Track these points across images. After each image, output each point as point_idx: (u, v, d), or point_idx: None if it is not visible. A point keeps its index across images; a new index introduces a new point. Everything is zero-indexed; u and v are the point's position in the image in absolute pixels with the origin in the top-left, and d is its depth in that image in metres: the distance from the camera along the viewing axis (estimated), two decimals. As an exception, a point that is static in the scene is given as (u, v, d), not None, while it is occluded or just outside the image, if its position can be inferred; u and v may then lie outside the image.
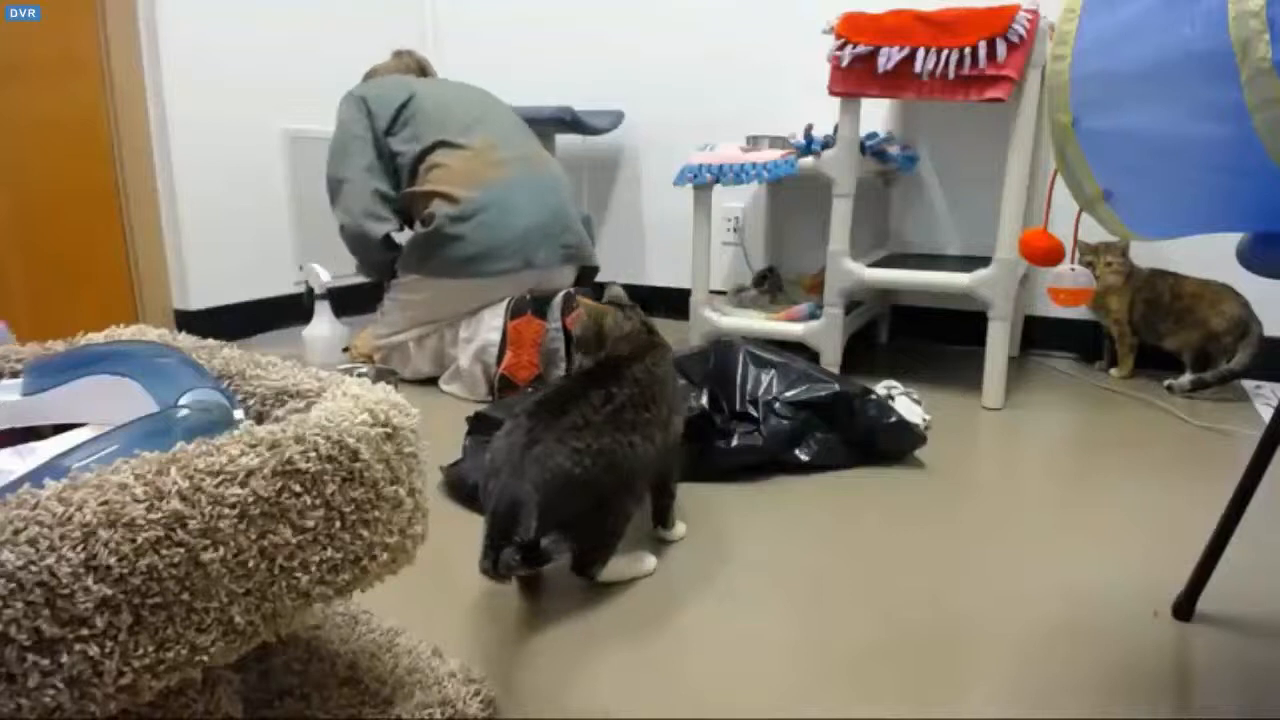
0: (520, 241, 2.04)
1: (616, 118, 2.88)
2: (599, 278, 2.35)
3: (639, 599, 1.14)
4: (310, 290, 2.32)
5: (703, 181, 2.20)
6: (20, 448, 0.68)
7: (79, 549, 0.48)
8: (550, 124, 2.68)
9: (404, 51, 2.45)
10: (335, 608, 0.92)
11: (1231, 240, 0.88)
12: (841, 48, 1.92)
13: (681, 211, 2.41)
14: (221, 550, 0.54)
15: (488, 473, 1.08)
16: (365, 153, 2.15)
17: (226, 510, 0.55)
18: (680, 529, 1.31)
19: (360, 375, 0.76)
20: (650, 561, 1.21)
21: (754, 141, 2.27)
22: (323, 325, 2.32)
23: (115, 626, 0.50)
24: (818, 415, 1.61)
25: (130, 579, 0.50)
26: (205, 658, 0.54)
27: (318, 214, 2.24)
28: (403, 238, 2.14)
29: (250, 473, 0.56)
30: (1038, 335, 2.52)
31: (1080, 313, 2.38)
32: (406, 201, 2.14)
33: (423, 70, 2.44)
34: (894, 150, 2.34)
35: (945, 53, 1.81)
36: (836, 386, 1.62)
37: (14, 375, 0.78)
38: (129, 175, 2.44)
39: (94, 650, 0.49)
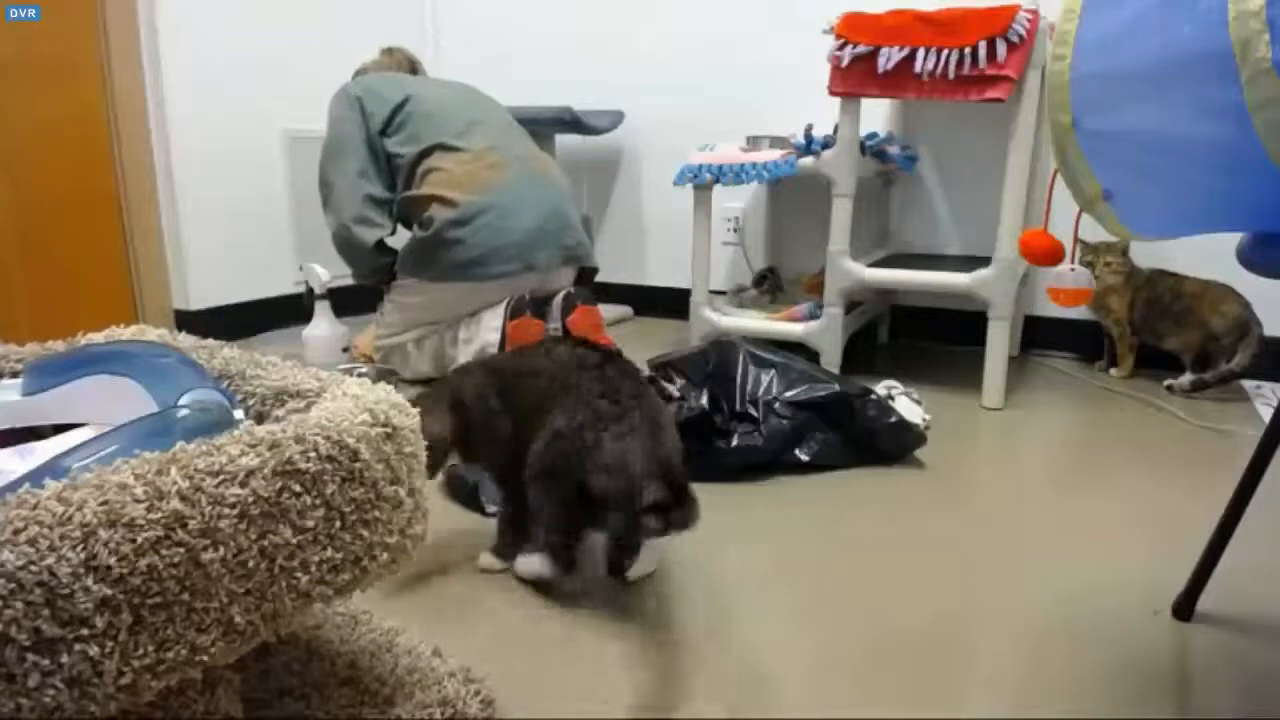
0: (521, 244, 2.02)
1: (616, 118, 2.88)
2: (597, 278, 2.35)
3: (638, 599, 1.14)
4: (310, 290, 2.32)
5: (703, 181, 2.20)
6: (20, 448, 0.68)
7: (79, 549, 0.48)
8: (550, 124, 2.68)
9: (394, 49, 2.42)
10: (335, 608, 0.92)
11: (1232, 240, 0.88)
12: (841, 48, 1.92)
13: (681, 212, 2.41)
14: (221, 550, 0.54)
15: (621, 468, 1.05)
16: (358, 154, 2.13)
17: (226, 510, 0.54)
18: None
19: (360, 375, 0.76)
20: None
21: (754, 141, 2.27)
22: (322, 325, 2.32)
23: (115, 626, 0.50)
24: (818, 415, 1.61)
25: (130, 579, 0.50)
26: (205, 658, 0.54)
27: (318, 214, 2.23)
28: (396, 242, 2.13)
29: (250, 473, 0.56)
30: (1038, 335, 2.52)
31: (1080, 313, 2.38)
32: (404, 205, 2.13)
33: (413, 68, 2.42)
34: (894, 150, 2.34)
35: (945, 53, 1.81)
36: (836, 386, 1.62)
37: (14, 375, 0.78)
38: (129, 175, 2.44)
39: (94, 650, 0.49)
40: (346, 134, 2.14)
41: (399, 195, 2.14)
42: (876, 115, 2.52)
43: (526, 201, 2.07)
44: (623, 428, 1.07)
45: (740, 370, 1.64)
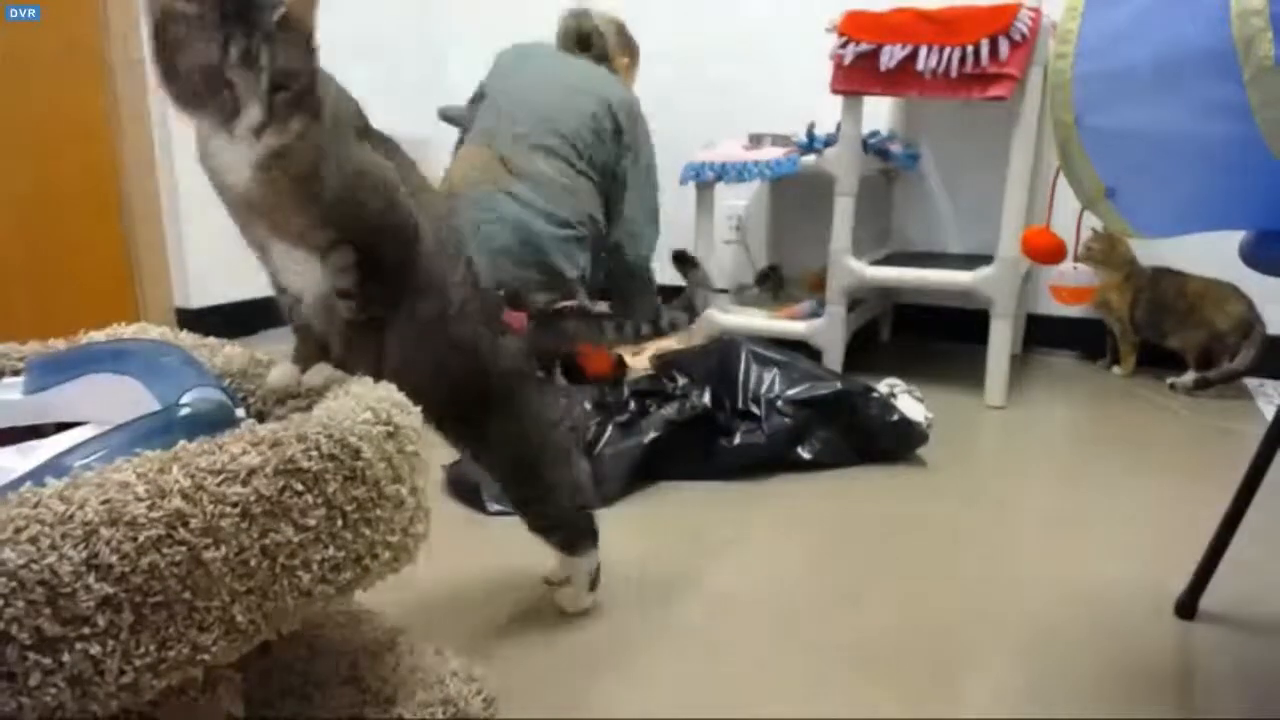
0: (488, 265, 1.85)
1: (618, 116, 2.87)
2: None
3: (638, 597, 1.14)
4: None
5: (705, 179, 2.20)
6: (22, 446, 0.68)
7: (80, 547, 0.48)
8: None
9: (578, 11, 2.31)
10: (337, 606, 0.92)
11: (1235, 239, 0.88)
12: (844, 46, 1.92)
13: (683, 210, 2.41)
14: (223, 549, 0.54)
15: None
16: None
17: (228, 509, 0.54)
18: None
19: (362, 373, 0.76)
20: None
21: (756, 139, 2.26)
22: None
23: (117, 625, 0.50)
24: (820, 413, 1.60)
25: (132, 577, 0.50)
26: (207, 657, 0.54)
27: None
28: None
29: (252, 471, 0.56)
30: (1040, 333, 2.52)
31: (1083, 311, 2.38)
32: None
33: (581, 34, 2.31)
34: (896, 148, 2.34)
35: (948, 51, 1.81)
36: (839, 385, 1.62)
37: (16, 373, 0.78)
38: (130, 174, 2.44)
39: (95, 649, 0.49)
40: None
41: None
42: (879, 113, 2.51)
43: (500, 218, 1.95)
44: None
45: (742, 368, 1.64)
